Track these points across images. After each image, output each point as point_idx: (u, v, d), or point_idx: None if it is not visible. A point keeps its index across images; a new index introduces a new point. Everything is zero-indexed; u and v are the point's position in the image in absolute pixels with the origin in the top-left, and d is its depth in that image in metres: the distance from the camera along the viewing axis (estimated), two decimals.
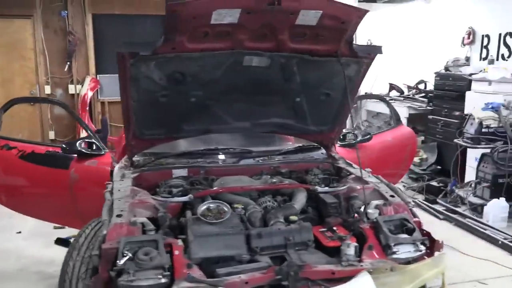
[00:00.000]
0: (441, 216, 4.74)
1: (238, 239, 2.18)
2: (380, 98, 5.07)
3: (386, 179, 4.30)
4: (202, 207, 2.32)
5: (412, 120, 6.89)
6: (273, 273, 1.96)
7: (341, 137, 3.93)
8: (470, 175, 5.22)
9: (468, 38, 6.39)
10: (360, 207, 2.51)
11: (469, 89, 5.54)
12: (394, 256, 2.16)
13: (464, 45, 6.50)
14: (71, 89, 7.02)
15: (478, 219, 4.55)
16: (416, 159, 6.02)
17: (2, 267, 3.68)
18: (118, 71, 2.44)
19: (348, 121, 7.41)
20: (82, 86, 6.88)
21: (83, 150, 3.33)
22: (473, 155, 5.18)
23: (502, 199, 4.50)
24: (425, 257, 2.28)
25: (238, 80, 2.65)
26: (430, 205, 5.00)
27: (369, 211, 2.48)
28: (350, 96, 2.90)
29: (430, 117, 6.32)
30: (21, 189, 3.51)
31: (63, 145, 3.34)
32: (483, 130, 4.86)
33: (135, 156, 3.05)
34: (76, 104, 6.82)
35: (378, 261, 2.12)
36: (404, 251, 2.19)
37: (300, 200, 2.62)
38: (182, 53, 2.36)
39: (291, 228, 2.27)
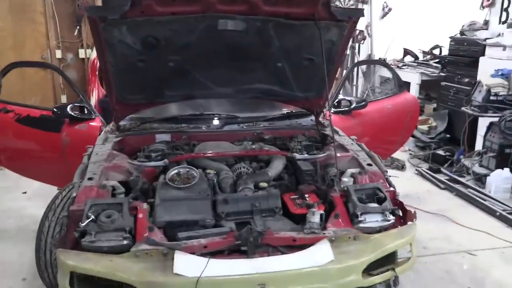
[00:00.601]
0: (442, 186, 4.64)
1: (204, 204, 2.20)
2: (382, 63, 4.92)
3: (385, 147, 4.29)
4: (171, 172, 2.34)
5: (425, 86, 6.68)
6: (233, 238, 1.98)
7: (336, 103, 3.87)
8: (480, 145, 5.06)
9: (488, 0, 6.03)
10: (335, 175, 2.48)
11: (483, 55, 5.27)
12: (361, 225, 2.14)
13: (483, 7, 6.14)
14: (81, 53, 7.06)
15: (480, 189, 4.43)
16: (424, 127, 5.86)
17: (3, 225, 3.85)
18: (92, 36, 2.45)
19: (353, 87, 7.26)
20: (92, 50, 6.92)
21: (73, 114, 3.39)
22: (484, 124, 4.99)
23: (506, 170, 4.36)
24: (398, 226, 2.26)
25: (216, 45, 2.61)
26: (433, 174, 4.89)
27: (344, 179, 2.44)
28: (335, 60, 2.83)
29: (443, 83, 6.09)
30: (18, 151, 3.63)
31: (54, 109, 3.41)
32: (492, 98, 4.65)
33: (122, 120, 3.10)
34: (86, 68, 6.90)
35: (341, 229, 2.11)
36: (371, 220, 2.16)
37: (276, 167, 2.61)
38: (152, 17, 2.33)
39: (258, 194, 2.27)
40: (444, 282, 2.97)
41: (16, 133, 3.54)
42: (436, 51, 6.83)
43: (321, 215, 2.18)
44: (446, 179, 4.73)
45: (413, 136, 5.87)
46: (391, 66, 4.91)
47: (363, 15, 2.56)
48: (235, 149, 2.80)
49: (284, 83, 2.99)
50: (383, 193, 2.27)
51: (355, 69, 7.13)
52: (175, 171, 2.35)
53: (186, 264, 1.84)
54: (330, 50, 2.74)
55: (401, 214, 2.30)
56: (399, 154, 5.74)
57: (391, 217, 2.19)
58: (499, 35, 5.40)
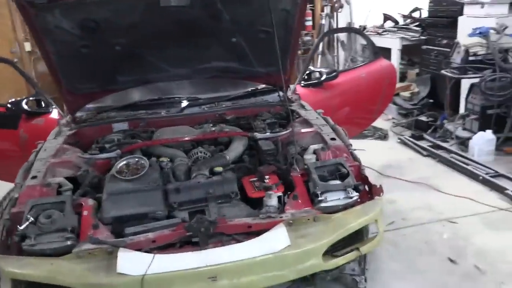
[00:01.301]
0: (424, 153, 4.51)
1: (154, 195, 2.07)
2: (354, 30, 4.74)
3: (363, 116, 4.14)
4: (120, 164, 2.21)
5: (407, 51, 6.47)
6: (183, 230, 1.86)
7: (306, 76, 3.71)
8: (463, 108, 4.91)
9: None
10: (293, 154, 2.35)
11: (462, 14, 5.07)
12: (322, 204, 2.02)
13: None
14: None
15: (463, 154, 4.31)
16: (406, 94, 5.70)
17: None
18: (26, 24, 2.29)
19: (334, 58, 7.06)
20: None
21: (28, 109, 3.23)
22: (466, 87, 4.83)
23: (489, 131, 4.22)
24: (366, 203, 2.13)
25: (162, 24, 2.45)
26: (415, 141, 4.76)
27: (306, 156, 2.31)
28: (293, 31, 2.66)
29: (424, 47, 5.89)
30: None
31: (8, 105, 3.24)
32: (470, 58, 4.48)
33: (79, 111, 2.94)
34: None
35: (300, 211, 1.98)
36: (333, 198, 2.03)
37: (235, 149, 2.48)
38: None
39: (212, 180, 2.14)
40: (423, 253, 2.87)
41: None
42: (416, 14, 6.60)
43: (279, 197, 2.07)
44: (429, 146, 4.60)
45: (395, 104, 5.73)
46: (364, 32, 4.70)
47: None
48: (194, 133, 2.65)
49: (243, 59, 2.84)
50: (346, 168, 2.15)
51: (334, 39, 6.92)
52: (124, 162, 2.22)
53: (130, 262, 1.73)
54: (286, 20, 2.58)
55: (367, 189, 2.18)
56: (382, 123, 5.61)
57: (355, 194, 2.06)
58: None
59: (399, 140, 5.02)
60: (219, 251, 1.81)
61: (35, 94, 3.37)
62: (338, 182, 2.09)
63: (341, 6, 7.07)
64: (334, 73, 3.64)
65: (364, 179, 2.19)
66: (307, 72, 3.70)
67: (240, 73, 2.95)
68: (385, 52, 6.78)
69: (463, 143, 4.53)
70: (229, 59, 2.81)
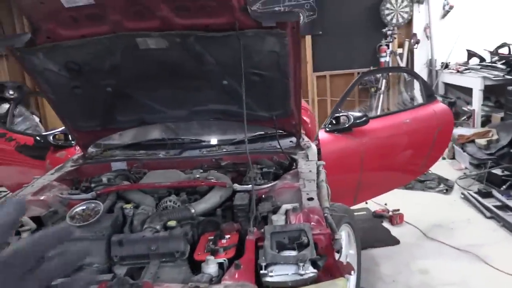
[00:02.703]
0: (488, 214, 3.81)
1: (98, 246, 1.96)
2: (400, 69, 4.25)
3: (401, 171, 3.63)
4: (76, 208, 2.15)
5: (494, 92, 5.70)
6: None
7: (333, 120, 3.38)
8: None
9: None
10: (264, 212, 2.08)
11: None
12: (267, 279, 1.72)
13: None
14: None
15: None
16: (482, 141, 4.94)
17: None
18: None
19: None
20: None
21: (52, 142, 3.40)
22: None
23: None
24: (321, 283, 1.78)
25: (147, 65, 2.40)
26: (479, 199, 4.05)
27: (275, 217, 2.03)
28: (288, 73, 2.42)
29: (510, 88, 5.13)
30: (19, 178, 3.75)
31: (37, 137, 3.46)
32: None
33: (91, 147, 3.02)
34: None
35: (236, 284, 1.71)
36: (280, 273, 1.72)
37: (207, 200, 2.28)
38: (62, 42, 2.19)
39: (158, 236, 1.97)
40: None
41: (16, 161, 3.69)
42: (504, 50, 5.81)
43: (221, 263, 1.82)
44: (495, 206, 3.87)
45: (466, 152, 5.01)
46: (414, 71, 4.18)
47: (297, 19, 2.14)
48: (180, 179, 2.52)
49: (240, 103, 2.66)
50: (307, 237, 1.82)
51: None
52: (83, 207, 2.16)
53: None
54: (277, 63, 2.36)
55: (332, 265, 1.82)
56: (451, 173, 4.96)
57: (310, 270, 1.72)
58: None
59: (462, 196, 4.33)
60: None
61: (64, 128, 3.54)
62: (293, 253, 1.78)
63: (417, 42, 6.50)
64: (364, 118, 3.25)
65: (327, 252, 1.83)
66: (336, 115, 3.36)
67: (240, 116, 2.77)
68: (467, 92, 6.07)
69: None
70: (225, 102, 2.66)
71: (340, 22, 7.10)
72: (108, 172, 2.76)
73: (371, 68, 6.49)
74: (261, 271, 1.72)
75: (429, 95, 3.77)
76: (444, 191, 4.52)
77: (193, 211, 2.17)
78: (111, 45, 2.24)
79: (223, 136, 3.01)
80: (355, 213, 4.19)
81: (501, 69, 5.46)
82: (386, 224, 3.82)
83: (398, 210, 3.94)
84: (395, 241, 3.48)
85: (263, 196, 2.25)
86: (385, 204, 4.12)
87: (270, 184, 2.31)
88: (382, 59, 6.56)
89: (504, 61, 5.58)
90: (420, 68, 6.89)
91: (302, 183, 2.25)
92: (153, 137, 3.07)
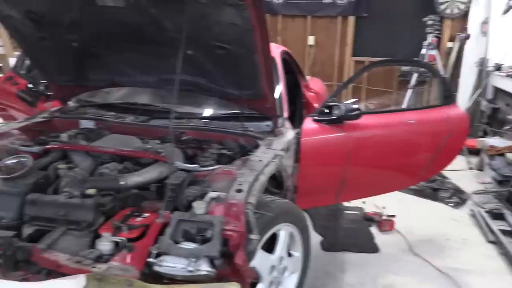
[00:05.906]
0: (490, 237, 3.40)
1: (11, 201, 1.92)
2: (417, 63, 3.83)
3: (392, 177, 3.29)
4: (7, 161, 2.11)
5: None
6: None
7: (326, 109, 3.10)
8: None
9: None
10: (191, 196, 1.94)
11: None
12: (155, 267, 1.61)
13: None
14: None
15: None
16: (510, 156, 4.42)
17: None
18: None
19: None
20: None
21: (42, 92, 3.41)
22: None
23: None
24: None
25: (108, 24, 2.31)
26: (487, 219, 3.62)
27: (196, 204, 1.88)
28: (254, 49, 2.20)
29: None
30: None
31: (28, 85, 3.48)
32: None
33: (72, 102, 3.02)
34: None
35: (119, 266, 1.60)
36: (170, 265, 1.60)
37: (143, 173, 2.16)
38: None
39: (69, 202, 1.89)
40: None
41: (15, 105, 3.79)
42: None
43: (116, 242, 1.71)
44: (502, 230, 3.45)
45: (493, 168, 4.51)
46: (434, 68, 3.72)
47: None
48: (133, 147, 2.43)
49: (208, 76, 2.50)
50: (214, 232, 1.67)
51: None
52: (14, 160, 2.12)
53: None
54: (241, 37, 2.15)
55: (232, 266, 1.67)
56: (470, 185, 4.50)
57: (203, 268, 1.58)
58: None
59: (471, 212, 3.92)
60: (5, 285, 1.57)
61: None
62: (191, 246, 1.64)
63: (467, 38, 5.87)
64: (356, 112, 2.94)
65: (232, 250, 1.67)
66: (328, 104, 3.08)
67: (210, 91, 2.61)
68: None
69: None
70: (194, 74, 2.50)
71: (389, 5, 6.59)
72: (75, 128, 2.73)
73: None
74: (149, 259, 1.61)
75: (447, 97, 3.37)
76: (455, 204, 4.12)
77: (122, 182, 2.07)
78: None
79: (197, 110, 2.86)
80: (348, 212, 3.95)
81: None
82: (374, 229, 3.54)
83: (394, 216, 3.64)
84: (373, 249, 3.21)
85: (199, 179, 2.10)
86: (383, 208, 3.82)
87: (210, 168, 2.15)
88: (429, 52, 6.03)
89: None
90: (469, 67, 6.28)
91: (243, 171, 2.07)
92: (134, 101, 2.97)
